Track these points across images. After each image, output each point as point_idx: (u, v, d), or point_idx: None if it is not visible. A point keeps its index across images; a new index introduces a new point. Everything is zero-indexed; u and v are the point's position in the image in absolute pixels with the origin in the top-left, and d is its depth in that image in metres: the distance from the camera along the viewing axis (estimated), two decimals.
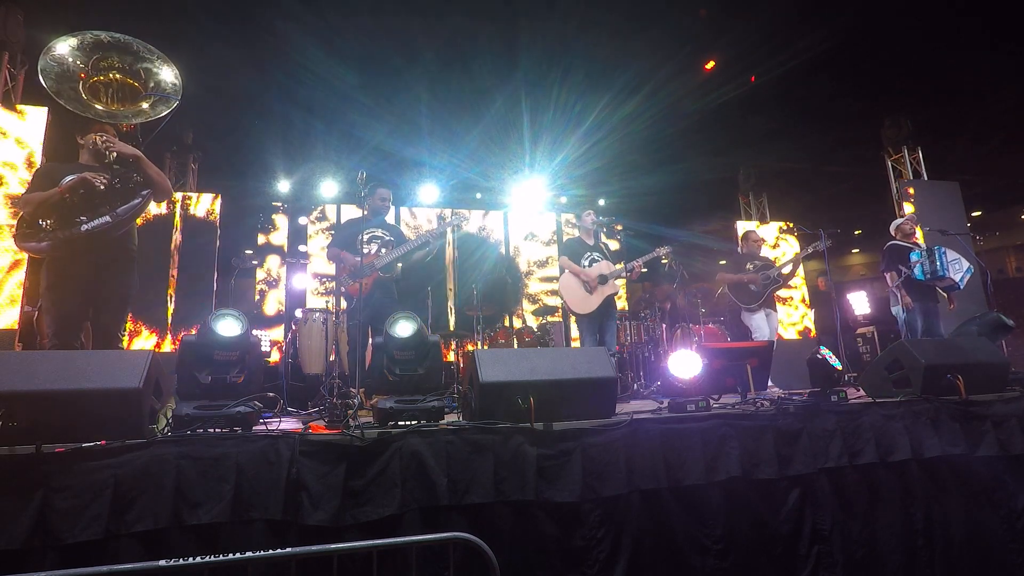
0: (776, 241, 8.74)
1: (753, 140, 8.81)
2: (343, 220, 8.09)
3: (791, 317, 8.48)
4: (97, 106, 2.91)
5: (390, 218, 4.72)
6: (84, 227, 2.71)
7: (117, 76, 2.96)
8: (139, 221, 3.20)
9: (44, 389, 1.96)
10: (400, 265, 4.01)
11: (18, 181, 4.87)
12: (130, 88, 3.00)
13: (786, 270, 5.39)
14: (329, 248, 4.24)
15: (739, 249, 5.82)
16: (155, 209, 6.59)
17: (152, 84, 3.05)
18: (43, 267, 2.84)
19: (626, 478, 2.27)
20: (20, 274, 4.74)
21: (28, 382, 1.97)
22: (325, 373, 4.24)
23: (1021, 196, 13.41)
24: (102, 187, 2.78)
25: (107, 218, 2.78)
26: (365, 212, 4.15)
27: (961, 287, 4.89)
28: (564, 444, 2.26)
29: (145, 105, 3.02)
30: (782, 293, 7.27)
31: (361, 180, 3.33)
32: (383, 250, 4.05)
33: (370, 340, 3.98)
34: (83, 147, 3.05)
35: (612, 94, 7.34)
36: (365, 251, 3.96)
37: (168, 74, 3.07)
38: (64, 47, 2.85)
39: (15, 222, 2.94)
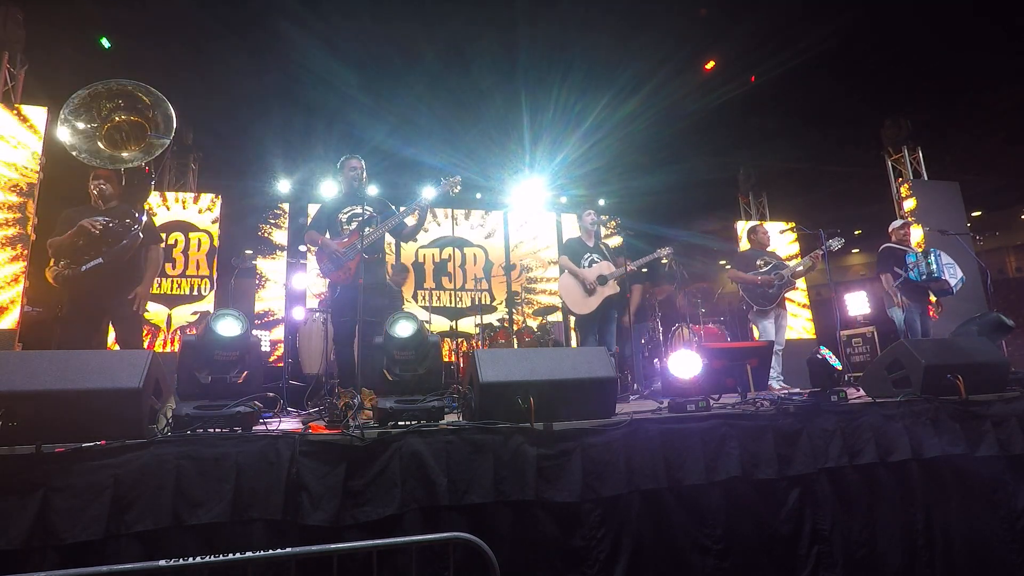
0: (789, 235, 8.71)
1: (753, 140, 8.82)
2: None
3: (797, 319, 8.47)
4: (123, 154, 3.23)
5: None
6: (83, 267, 3.23)
7: (124, 116, 3.27)
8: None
9: (44, 389, 1.96)
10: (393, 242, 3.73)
11: (19, 181, 4.87)
12: (139, 126, 3.31)
13: (799, 270, 5.25)
14: (306, 233, 3.87)
15: (747, 244, 5.71)
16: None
17: (158, 117, 3.33)
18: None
19: (626, 478, 2.27)
20: (21, 276, 4.74)
21: (28, 382, 1.97)
22: (325, 373, 4.24)
23: (1021, 196, 13.42)
24: (97, 232, 3.24)
25: (99, 259, 3.25)
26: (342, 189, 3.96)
27: (954, 292, 4.89)
28: (564, 444, 2.26)
29: (154, 140, 3.34)
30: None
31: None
32: (366, 228, 3.58)
33: (356, 334, 3.55)
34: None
35: (612, 94, 7.34)
36: (345, 232, 3.73)
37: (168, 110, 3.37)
38: (74, 104, 3.11)
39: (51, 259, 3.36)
